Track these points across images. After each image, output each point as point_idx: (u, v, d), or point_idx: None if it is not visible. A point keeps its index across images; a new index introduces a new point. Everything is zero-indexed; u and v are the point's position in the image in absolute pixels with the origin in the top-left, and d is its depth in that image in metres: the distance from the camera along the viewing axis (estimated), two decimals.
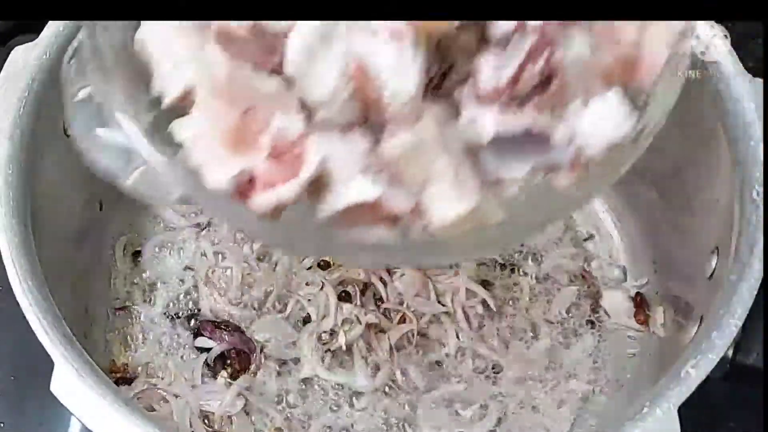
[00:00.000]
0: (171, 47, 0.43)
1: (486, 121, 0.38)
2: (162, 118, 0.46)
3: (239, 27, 0.39)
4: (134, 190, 0.48)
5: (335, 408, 0.75)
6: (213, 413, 0.73)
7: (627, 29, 0.37)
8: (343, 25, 0.38)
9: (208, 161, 0.40)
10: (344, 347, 0.76)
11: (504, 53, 0.37)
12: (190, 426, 0.72)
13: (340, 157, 0.39)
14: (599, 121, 0.38)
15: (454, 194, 0.40)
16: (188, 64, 0.42)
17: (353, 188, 0.39)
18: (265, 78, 0.39)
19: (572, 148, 0.39)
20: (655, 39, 0.37)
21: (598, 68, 0.38)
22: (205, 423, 0.73)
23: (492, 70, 0.37)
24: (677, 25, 0.37)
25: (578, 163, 0.39)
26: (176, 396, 0.73)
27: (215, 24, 0.40)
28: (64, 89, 0.49)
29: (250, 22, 0.39)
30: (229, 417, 0.73)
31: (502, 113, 0.37)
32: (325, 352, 0.76)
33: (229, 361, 0.75)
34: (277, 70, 0.39)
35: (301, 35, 0.37)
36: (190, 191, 0.44)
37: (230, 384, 0.74)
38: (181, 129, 0.43)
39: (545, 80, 0.37)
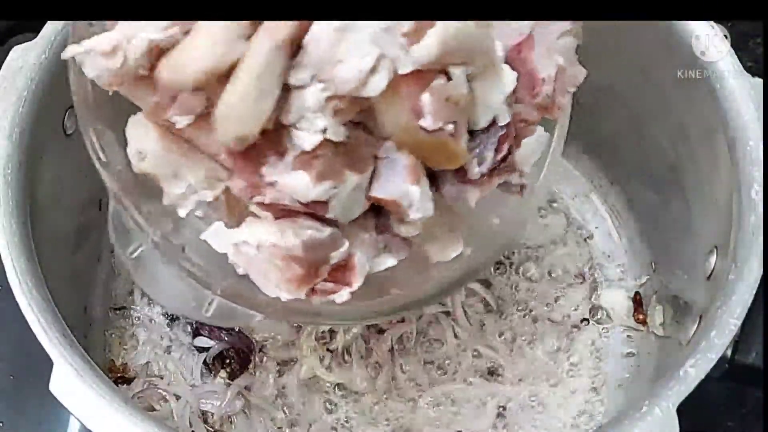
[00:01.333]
0: (176, 171, 0.48)
1: (471, 196, 0.48)
2: (178, 223, 0.51)
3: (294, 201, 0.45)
4: (217, 321, 0.57)
5: (335, 408, 0.75)
6: (213, 413, 0.73)
7: (545, 87, 0.47)
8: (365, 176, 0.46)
9: (270, 286, 0.47)
10: (343, 347, 0.76)
11: (477, 143, 0.47)
12: (190, 426, 0.72)
13: (366, 250, 0.49)
14: (530, 151, 0.49)
15: (450, 243, 0.52)
16: (200, 183, 0.48)
17: (380, 263, 0.50)
18: (322, 228, 0.47)
19: (521, 179, 0.50)
20: (564, 86, 0.48)
21: (525, 116, 0.49)
22: (205, 423, 0.73)
23: (477, 166, 0.47)
24: (580, 73, 0.47)
25: (524, 186, 0.50)
26: (176, 396, 0.73)
27: (266, 198, 0.45)
28: (118, 253, 0.56)
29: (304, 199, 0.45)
30: (229, 417, 0.74)
31: (479, 185, 0.48)
32: (325, 351, 0.76)
33: (228, 361, 0.75)
34: (318, 217, 0.46)
35: (347, 190, 0.46)
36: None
37: (229, 384, 0.74)
38: (228, 244, 0.48)
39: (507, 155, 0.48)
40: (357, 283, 0.48)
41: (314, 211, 0.46)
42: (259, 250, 0.46)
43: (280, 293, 0.46)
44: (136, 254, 0.55)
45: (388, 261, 0.50)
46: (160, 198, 0.49)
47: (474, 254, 0.54)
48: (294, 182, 0.44)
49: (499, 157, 0.47)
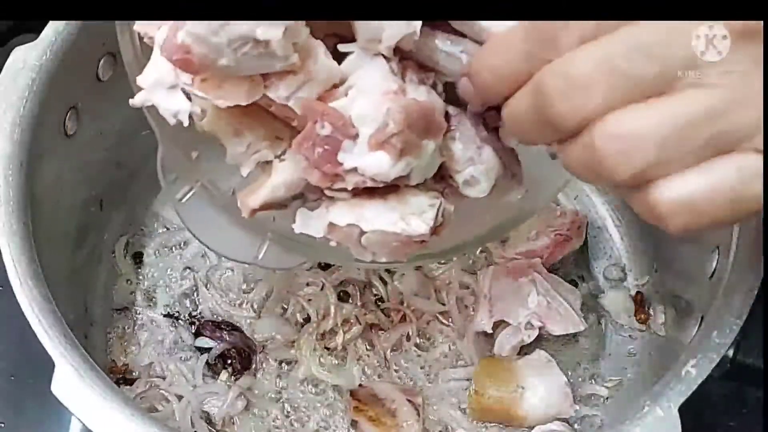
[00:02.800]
0: (236, 129, 0.48)
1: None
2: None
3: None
4: (270, 263, 0.57)
5: (335, 407, 0.75)
6: (215, 414, 0.73)
7: None
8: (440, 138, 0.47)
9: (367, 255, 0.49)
10: (342, 347, 0.76)
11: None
12: (192, 426, 0.72)
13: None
14: None
15: (511, 187, 0.52)
16: (261, 142, 0.48)
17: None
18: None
19: None
20: None
21: None
22: (207, 423, 0.73)
23: None
24: None
25: None
26: (178, 396, 0.73)
27: (348, 185, 0.45)
28: (173, 203, 0.56)
29: None
30: (231, 417, 0.73)
31: None
32: (325, 351, 0.76)
33: (229, 361, 0.75)
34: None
35: (426, 158, 0.46)
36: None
37: (231, 386, 0.74)
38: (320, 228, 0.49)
39: None
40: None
41: (396, 184, 0.46)
42: (352, 229, 0.47)
43: (378, 258, 0.48)
44: (185, 199, 0.55)
45: (449, 207, 0.50)
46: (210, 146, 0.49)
47: (527, 196, 0.54)
48: (374, 164, 0.44)
49: None
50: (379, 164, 0.44)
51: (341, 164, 0.44)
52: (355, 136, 0.44)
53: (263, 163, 0.49)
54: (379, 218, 0.46)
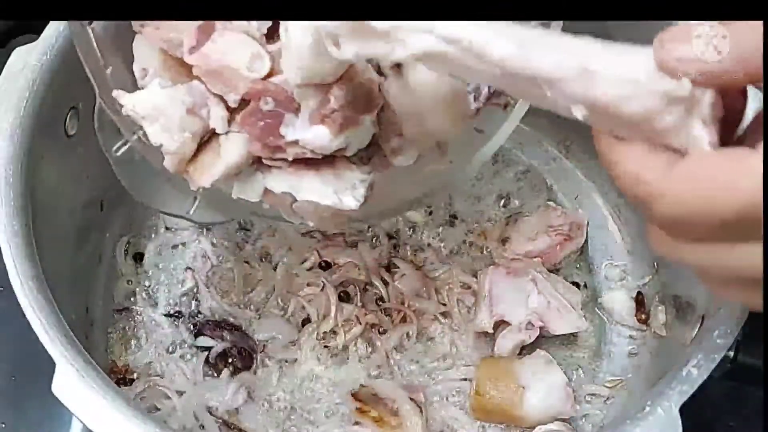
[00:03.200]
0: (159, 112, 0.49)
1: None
2: None
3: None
4: (200, 217, 0.59)
5: (335, 408, 0.75)
6: (217, 407, 0.73)
7: None
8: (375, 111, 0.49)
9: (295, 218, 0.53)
10: (343, 347, 0.76)
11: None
12: (197, 420, 0.72)
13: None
14: None
15: (437, 158, 0.55)
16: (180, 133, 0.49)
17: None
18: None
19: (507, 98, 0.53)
20: None
21: None
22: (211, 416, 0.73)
23: (473, 101, 0.50)
24: None
25: (508, 104, 0.54)
26: (179, 393, 0.73)
27: (289, 156, 0.47)
28: (106, 153, 0.56)
29: None
30: (236, 409, 0.73)
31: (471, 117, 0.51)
32: (325, 350, 0.76)
33: (230, 360, 0.75)
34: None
35: (363, 131, 0.49)
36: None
37: (231, 379, 0.74)
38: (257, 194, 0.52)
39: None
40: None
41: (333, 155, 0.47)
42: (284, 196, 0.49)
43: (307, 223, 0.51)
44: (121, 152, 0.55)
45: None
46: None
47: (452, 167, 0.56)
48: (316, 138, 0.46)
49: (493, 89, 0.49)
50: (320, 138, 0.46)
51: (283, 137, 0.46)
52: (297, 110, 0.46)
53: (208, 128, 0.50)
54: (313, 190, 0.49)
